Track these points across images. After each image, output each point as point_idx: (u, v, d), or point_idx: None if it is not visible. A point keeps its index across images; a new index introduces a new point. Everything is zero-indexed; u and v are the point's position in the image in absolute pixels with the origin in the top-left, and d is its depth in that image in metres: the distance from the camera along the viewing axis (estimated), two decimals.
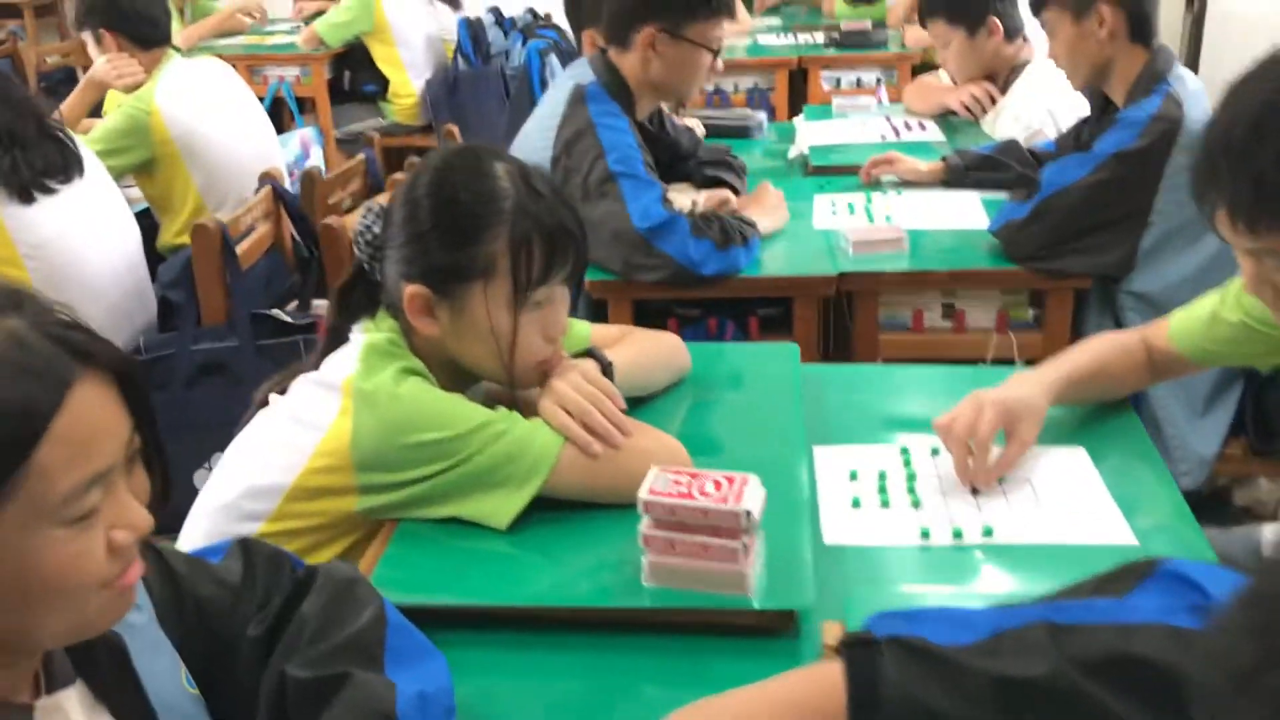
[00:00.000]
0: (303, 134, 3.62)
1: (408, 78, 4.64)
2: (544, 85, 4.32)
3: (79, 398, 0.71)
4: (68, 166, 2.25)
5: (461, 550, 1.17)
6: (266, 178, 2.45)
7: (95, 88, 2.81)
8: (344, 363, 1.24)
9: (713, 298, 2.05)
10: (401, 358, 1.23)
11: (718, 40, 2.08)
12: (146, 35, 2.77)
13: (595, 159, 1.99)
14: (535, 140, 2.10)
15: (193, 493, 1.33)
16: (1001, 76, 2.76)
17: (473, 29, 4.64)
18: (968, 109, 2.80)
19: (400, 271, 1.24)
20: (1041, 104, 2.57)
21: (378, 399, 1.19)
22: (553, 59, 4.35)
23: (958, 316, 2.06)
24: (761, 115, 3.00)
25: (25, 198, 2.16)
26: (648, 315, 2.07)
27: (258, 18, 5.00)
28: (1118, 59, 2.01)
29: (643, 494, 1.05)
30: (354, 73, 4.79)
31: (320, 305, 2.25)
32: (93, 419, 0.72)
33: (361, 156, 2.87)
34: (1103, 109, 2.11)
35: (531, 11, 5.03)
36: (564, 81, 2.17)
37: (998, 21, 2.67)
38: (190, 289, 2.13)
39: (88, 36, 2.78)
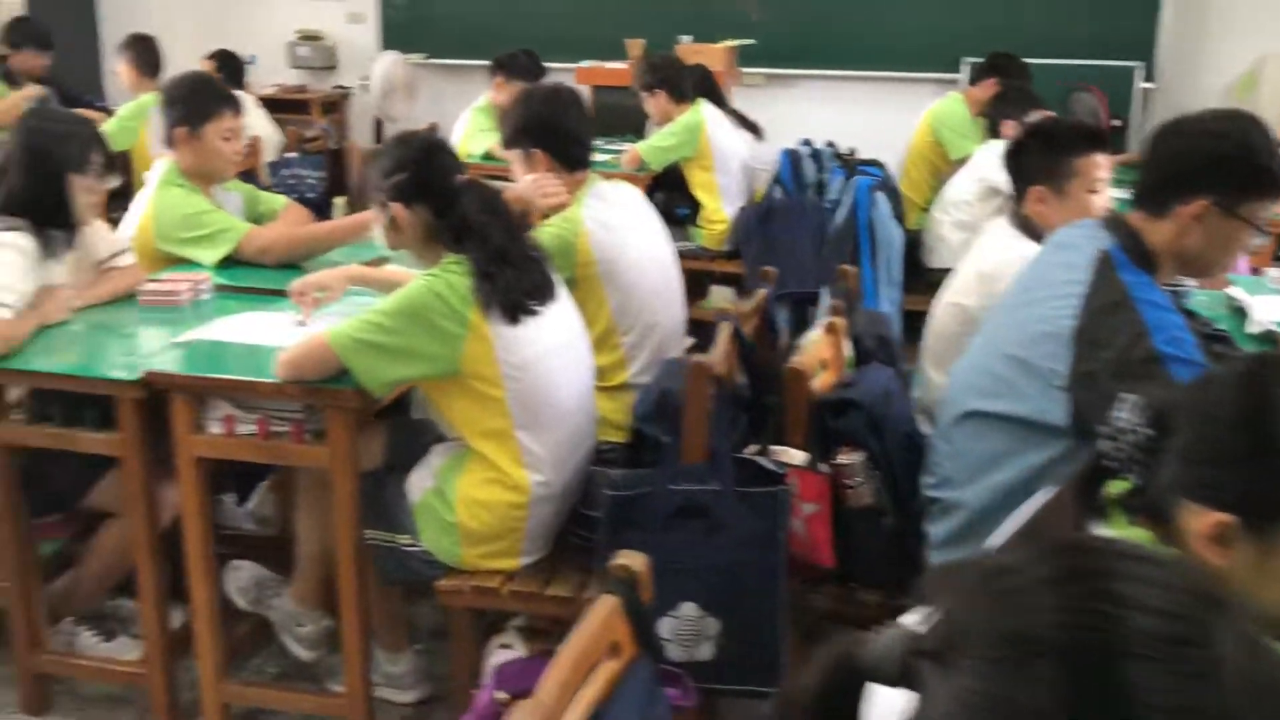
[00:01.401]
0: None
1: (720, 204, 4.65)
2: (870, 224, 4.27)
3: None
4: (547, 288, 2.25)
5: None
6: (722, 314, 2.40)
7: (517, 205, 2.83)
8: None
9: None
10: None
11: (1265, 219, 1.95)
12: (576, 157, 2.79)
13: (1137, 336, 1.86)
14: (1046, 307, 1.99)
15: None
16: None
17: (794, 159, 4.64)
18: None
19: (1194, 491, 1.10)
20: None
21: None
22: (880, 197, 4.30)
23: None
24: None
25: (513, 318, 2.15)
26: None
27: None
28: None
29: None
30: (667, 195, 4.82)
31: (780, 451, 2.16)
32: None
33: (763, 293, 2.82)
34: None
35: (830, 144, 5.03)
36: (1073, 243, 2.06)
37: None
38: (672, 425, 2.07)
39: (516, 154, 2.81)
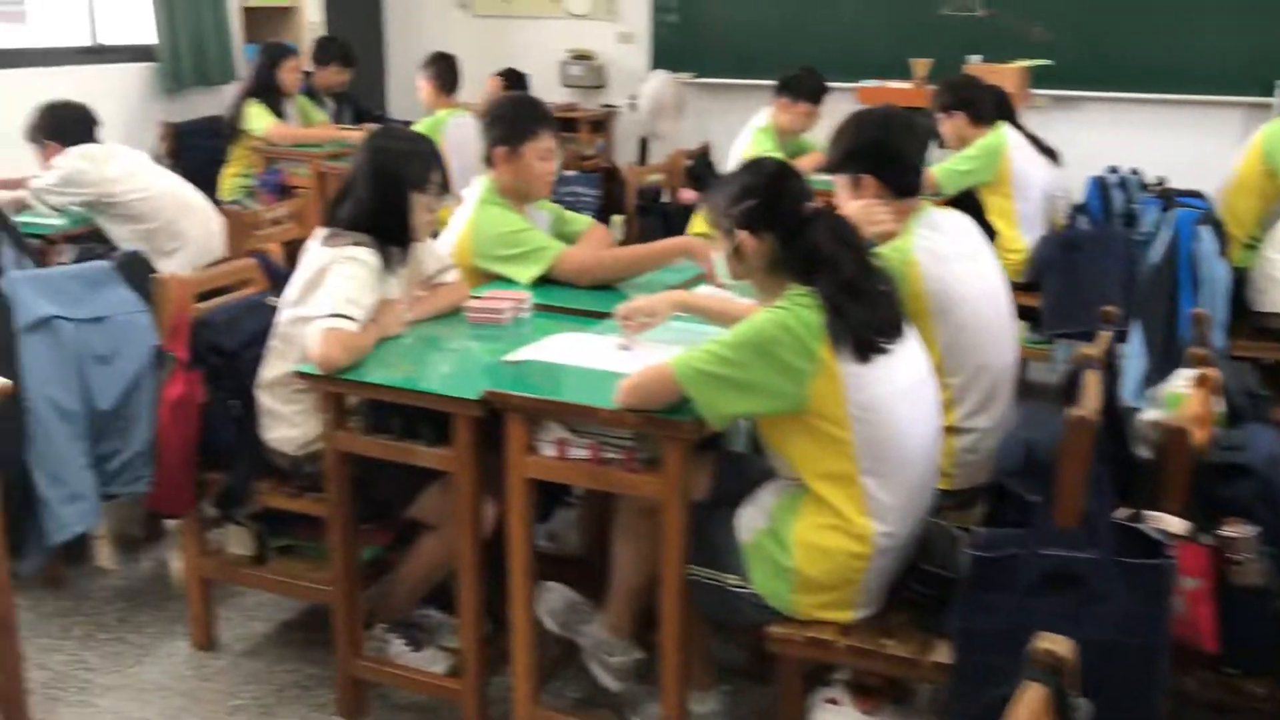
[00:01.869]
0: None
1: (1019, 233, 4.40)
2: (1192, 260, 3.93)
3: None
4: (898, 324, 2.13)
5: None
6: (1086, 359, 2.21)
7: None
8: None
9: None
10: None
11: None
12: (908, 184, 2.65)
13: None
14: None
15: None
16: None
17: (1103, 187, 4.34)
18: None
19: None
20: None
21: None
22: (1204, 231, 3.94)
23: None
24: None
25: (864, 356, 2.03)
26: None
27: None
28: None
29: None
30: None
31: (1157, 517, 1.95)
32: None
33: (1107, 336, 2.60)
34: None
35: (1134, 171, 4.69)
36: None
37: None
38: (1041, 482, 1.90)
39: (843, 179, 2.69)
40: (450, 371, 2.50)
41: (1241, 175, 4.53)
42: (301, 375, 2.43)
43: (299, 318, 2.58)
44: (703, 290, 2.95)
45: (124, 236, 3.91)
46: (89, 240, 3.93)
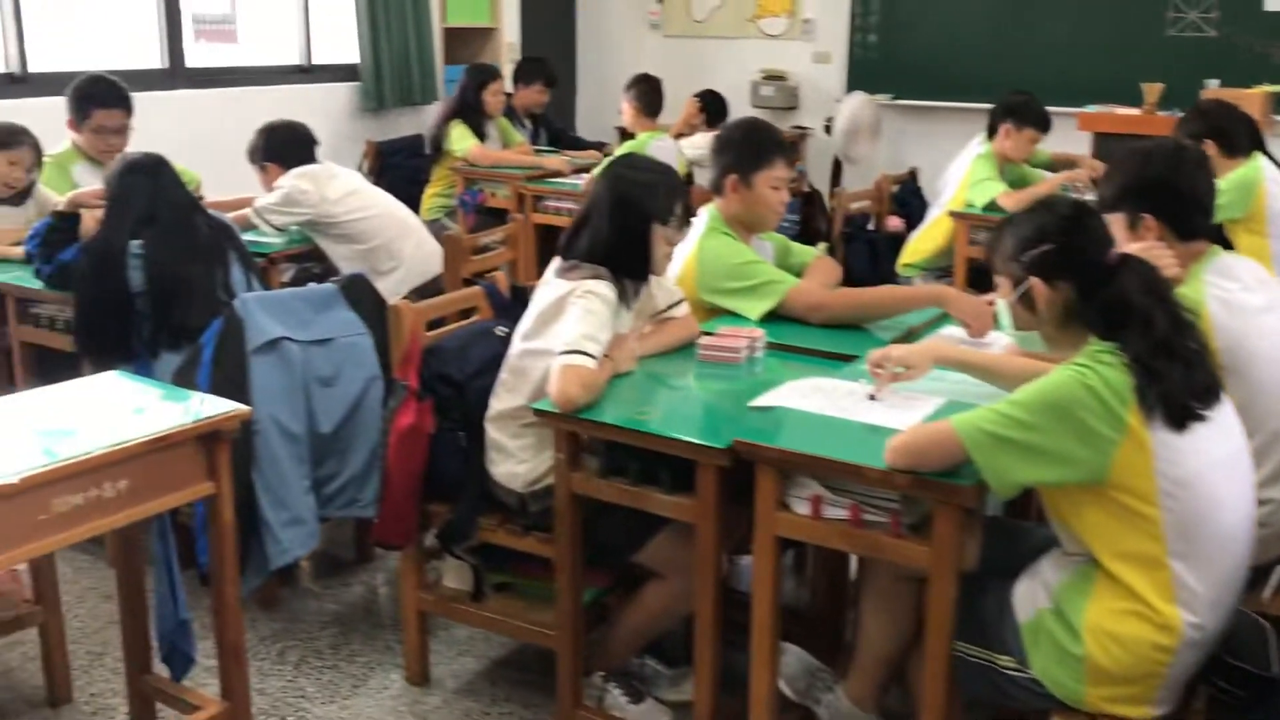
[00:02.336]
0: None
1: (1275, 272, 4.02)
2: None
3: None
4: (1214, 388, 1.89)
5: None
6: None
7: None
8: None
9: None
10: None
11: None
12: (1196, 226, 2.40)
13: None
14: None
15: None
16: None
17: None
18: None
19: None
20: None
21: None
22: None
23: None
24: None
25: (1179, 424, 1.81)
26: None
27: None
28: None
29: None
30: None
31: None
32: None
33: None
34: None
35: None
36: None
37: None
38: None
39: (1119, 218, 2.44)
40: (691, 415, 2.36)
41: None
42: (538, 412, 2.33)
43: (533, 350, 2.50)
44: (946, 333, 2.75)
45: (342, 255, 3.93)
46: (308, 259, 3.97)
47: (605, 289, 2.42)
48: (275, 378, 2.88)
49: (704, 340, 2.63)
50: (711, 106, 5.71)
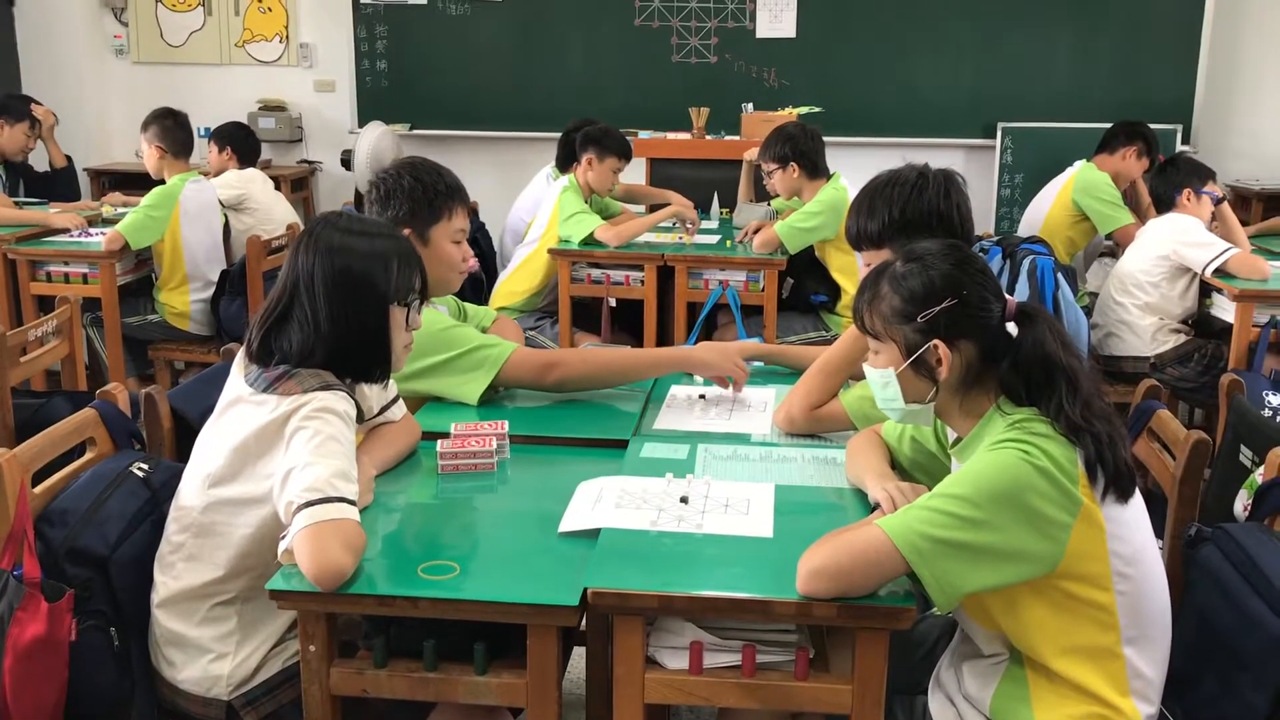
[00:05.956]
0: None
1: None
2: (1056, 307, 3.87)
3: None
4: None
5: None
6: None
7: None
8: None
9: None
10: None
11: None
12: None
13: None
14: None
15: None
16: None
17: None
18: None
19: None
20: None
21: None
22: (1062, 278, 3.89)
23: None
24: None
25: (1124, 494, 1.60)
26: None
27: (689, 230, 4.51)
28: None
29: None
30: (798, 280, 4.31)
31: None
32: None
33: None
34: None
35: None
36: None
37: None
38: None
39: (881, 254, 2.26)
40: (495, 556, 1.76)
41: (1050, 219, 4.60)
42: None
43: (229, 500, 1.77)
44: (710, 394, 2.43)
45: None
46: None
47: (340, 402, 1.76)
48: None
49: (443, 448, 2.04)
50: (241, 144, 4.89)
